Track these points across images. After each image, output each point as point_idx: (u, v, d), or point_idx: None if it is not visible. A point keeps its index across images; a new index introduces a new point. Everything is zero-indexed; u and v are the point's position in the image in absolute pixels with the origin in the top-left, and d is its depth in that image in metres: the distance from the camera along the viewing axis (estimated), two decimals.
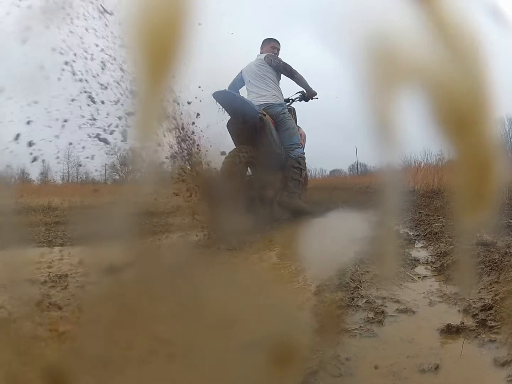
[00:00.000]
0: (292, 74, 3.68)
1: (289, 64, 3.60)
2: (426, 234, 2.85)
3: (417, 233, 2.96)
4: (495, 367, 1.02)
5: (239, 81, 3.79)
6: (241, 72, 3.73)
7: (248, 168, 3.38)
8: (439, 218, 3.49)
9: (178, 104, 2.06)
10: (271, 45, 3.80)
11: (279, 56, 3.71)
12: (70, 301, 1.34)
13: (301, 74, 3.65)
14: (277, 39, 3.84)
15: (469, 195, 0.72)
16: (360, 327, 1.27)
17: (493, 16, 0.69)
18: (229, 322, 0.94)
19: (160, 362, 0.84)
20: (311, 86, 3.73)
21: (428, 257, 2.19)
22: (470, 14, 0.61)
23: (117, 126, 1.53)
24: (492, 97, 0.65)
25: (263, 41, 3.93)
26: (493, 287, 1.54)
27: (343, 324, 1.27)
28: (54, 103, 1.40)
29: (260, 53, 3.89)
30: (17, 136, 1.27)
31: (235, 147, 3.28)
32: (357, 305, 1.46)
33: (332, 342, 1.11)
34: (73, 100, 1.47)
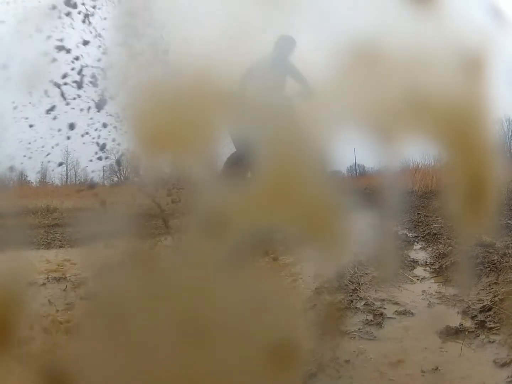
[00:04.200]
0: (298, 78, 3.68)
1: (296, 68, 3.60)
2: (425, 235, 2.85)
3: (416, 235, 2.95)
4: (494, 368, 1.02)
5: (249, 78, 3.77)
6: (250, 68, 3.70)
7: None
8: (437, 219, 3.48)
9: None
10: (284, 44, 3.77)
11: (290, 57, 3.69)
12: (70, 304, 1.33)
13: (303, 75, 3.65)
14: (293, 37, 3.79)
15: (467, 197, 0.72)
16: (359, 329, 1.27)
17: (493, 17, 0.69)
18: (227, 324, 0.94)
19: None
20: (310, 87, 3.73)
21: (427, 259, 2.19)
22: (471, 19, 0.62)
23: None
24: (488, 101, 0.65)
25: (278, 38, 3.89)
26: (492, 288, 1.54)
27: (342, 326, 1.27)
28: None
29: (274, 50, 3.86)
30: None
31: (236, 148, 3.27)
32: (356, 307, 1.45)
33: (331, 345, 1.10)
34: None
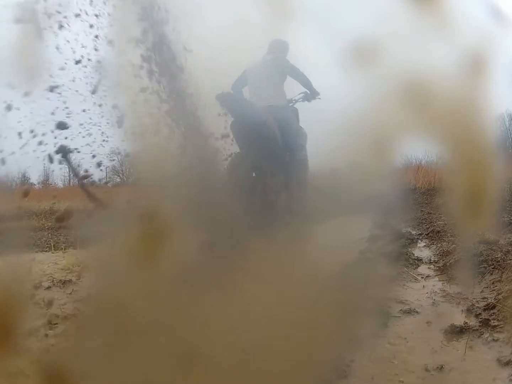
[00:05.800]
0: (299, 77, 3.67)
1: (297, 67, 3.59)
2: (429, 233, 2.84)
3: (420, 232, 2.95)
4: (498, 366, 1.02)
5: (243, 81, 3.76)
6: (245, 72, 3.69)
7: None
8: (441, 217, 3.47)
9: None
10: (279, 46, 3.77)
11: (287, 58, 3.69)
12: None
13: (306, 76, 3.63)
14: (286, 41, 3.82)
15: (469, 194, 0.72)
16: (364, 328, 1.27)
17: (493, 17, 0.69)
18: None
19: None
20: (314, 87, 3.71)
21: (431, 257, 2.18)
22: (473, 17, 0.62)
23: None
24: (489, 101, 0.65)
25: (271, 42, 3.90)
26: (496, 286, 1.54)
27: (348, 325, 1.27)
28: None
29: (268, 53, 3.87)
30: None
31: (239, 149, 3.27)
32: (361, 307, 1.45)
33: (337, 344, 1.11)
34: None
